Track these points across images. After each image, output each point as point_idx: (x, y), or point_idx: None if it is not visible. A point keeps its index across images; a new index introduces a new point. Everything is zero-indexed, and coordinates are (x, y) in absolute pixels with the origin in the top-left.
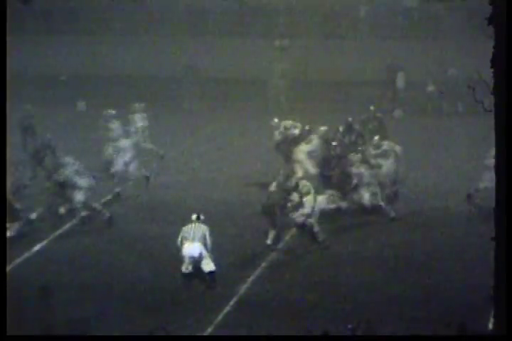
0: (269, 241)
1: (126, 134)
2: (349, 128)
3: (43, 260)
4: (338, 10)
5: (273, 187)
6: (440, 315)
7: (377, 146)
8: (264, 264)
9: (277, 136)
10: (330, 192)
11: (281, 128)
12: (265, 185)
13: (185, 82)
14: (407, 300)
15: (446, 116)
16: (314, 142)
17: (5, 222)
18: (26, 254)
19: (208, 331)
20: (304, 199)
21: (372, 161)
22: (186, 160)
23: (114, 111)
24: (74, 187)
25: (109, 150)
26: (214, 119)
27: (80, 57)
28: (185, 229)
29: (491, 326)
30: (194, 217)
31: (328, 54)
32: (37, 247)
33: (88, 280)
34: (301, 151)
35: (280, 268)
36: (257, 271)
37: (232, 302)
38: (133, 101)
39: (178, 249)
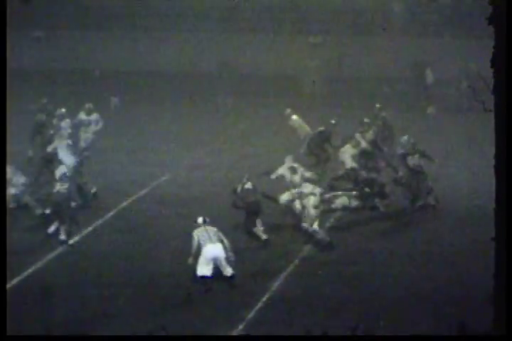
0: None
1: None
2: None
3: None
4: (371, 6)
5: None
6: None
7: (404, 145)
8: (297, 261)
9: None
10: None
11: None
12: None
13: (219, 78)
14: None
15: (479, 113)
16: (362, 145)
17: (5, 222)
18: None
19: (240, 328)
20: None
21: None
22: (218, 156)
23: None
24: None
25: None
26: (248, 116)
27: (108, 53)
28: (197, 232)
29: (491, 326)
30: (200, 220)
31: (361, 50)
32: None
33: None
34: (348, 153)
35: (313, 264)
36: (290, 268)
37: (264, 299)
38: (167, 98)
39: (195, 254)
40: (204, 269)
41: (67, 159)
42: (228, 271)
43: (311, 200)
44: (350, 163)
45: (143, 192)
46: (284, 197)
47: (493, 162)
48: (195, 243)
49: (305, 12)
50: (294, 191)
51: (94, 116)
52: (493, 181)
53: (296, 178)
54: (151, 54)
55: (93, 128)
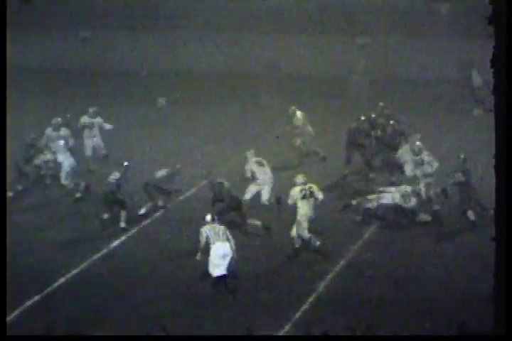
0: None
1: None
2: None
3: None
4: (418, 7)
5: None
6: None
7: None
8: (342, 261)
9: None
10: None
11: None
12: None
13: (266, 78)
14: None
15: None
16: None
17: (5, 222)
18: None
19: (286, 329)
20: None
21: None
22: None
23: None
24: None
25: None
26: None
27: (155, 53)
28: (206, 230)
29: (491, 326)
30: (209, 217)
31: (408, 52)
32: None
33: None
34: (407, 153)
35: (359, 265)
36: (336, 268)
37: (310, 299)
38: (213, 98)
39: (202, 251)
40: (218, 268)
41: (67, 162)
42: (222, 270)
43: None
44: (410, 163)
45: (189, 192)
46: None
47: None
48: (203, 239)
49: (352, 13)
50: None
51: (97, 119)
52: None
53: (267, 171)
54: (197, 54)
55: (95, 131)
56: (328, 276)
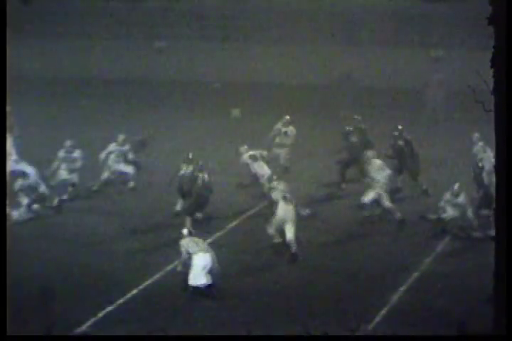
0: None
1: None
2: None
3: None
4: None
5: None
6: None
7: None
8: (416, 274)
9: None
10: None
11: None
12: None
13: (341, 90)
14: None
15: None
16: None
17: (5, 221)
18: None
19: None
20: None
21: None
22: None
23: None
24: None
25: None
26: (369, 128)
27: (228, 65)
28: (185, 242)
29: (491, 326)
30: (185, 231)
31: (484, 65)
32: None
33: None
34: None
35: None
36: (410, 280)
37: (383, 312)
38: (287, 109)
39: (183, 263)
40: (200, 278)
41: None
42: (207, 280)
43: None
44: None
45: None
46: None
47: None
48: (184, 251)
49: (427, 25)
50: None
51: (126, 147)
52: None
53: (261, 164)
54: (272, 66)
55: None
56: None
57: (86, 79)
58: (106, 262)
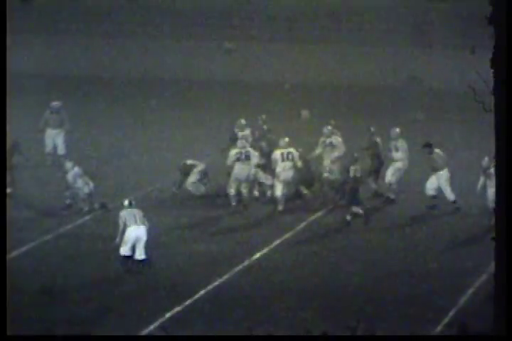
0: None
1: None
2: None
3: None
4: None
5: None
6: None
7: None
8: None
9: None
10: None
11: None
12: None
13: (408, 92)
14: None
15: None
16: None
17: (5, 221)
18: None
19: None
20: None
21: None
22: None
23: None
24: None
25: None
26: (437, 130)
27: (297, 66)
28: (124, 213)
29: (491, 326)
30: (126, 202)
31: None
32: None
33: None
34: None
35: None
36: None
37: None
38: (355, 111)
39: (121, 233)
40: (125, 248)
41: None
42: (141, 255)
43: None
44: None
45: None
46: None
47: None
48: (121, 223)
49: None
50: None
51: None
52: None
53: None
54: (339, 67)
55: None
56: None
57: (155, 80)
58: (173, 263)
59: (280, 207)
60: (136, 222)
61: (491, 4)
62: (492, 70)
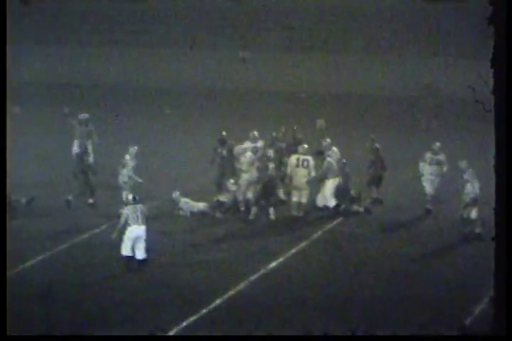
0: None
1: None
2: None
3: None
4: None
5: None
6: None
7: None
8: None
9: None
10: None
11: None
12: None
13: (422, 101)
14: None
15: None
16: None
17: (5, 221)
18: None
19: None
20: None
21: None
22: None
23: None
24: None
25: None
26: (450, 139)
27: (312, 75)
28: (127, 212)
29: (491, 326)
30: (131, 197)
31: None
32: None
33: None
34: None
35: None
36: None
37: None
38: (370, 120)
39: (119, 230)
40: (126, 249)
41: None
42: (140, 255)
43: None
44: None
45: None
46: None
47: None
48: (122, 220)
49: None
50: None
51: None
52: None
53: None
54: (355, 77)
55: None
56: None
57: (168, 89)
58: (190, 272)
59: (294, 212)
60: (137, 222)
61: (491, 4)
62: (492, 70)
